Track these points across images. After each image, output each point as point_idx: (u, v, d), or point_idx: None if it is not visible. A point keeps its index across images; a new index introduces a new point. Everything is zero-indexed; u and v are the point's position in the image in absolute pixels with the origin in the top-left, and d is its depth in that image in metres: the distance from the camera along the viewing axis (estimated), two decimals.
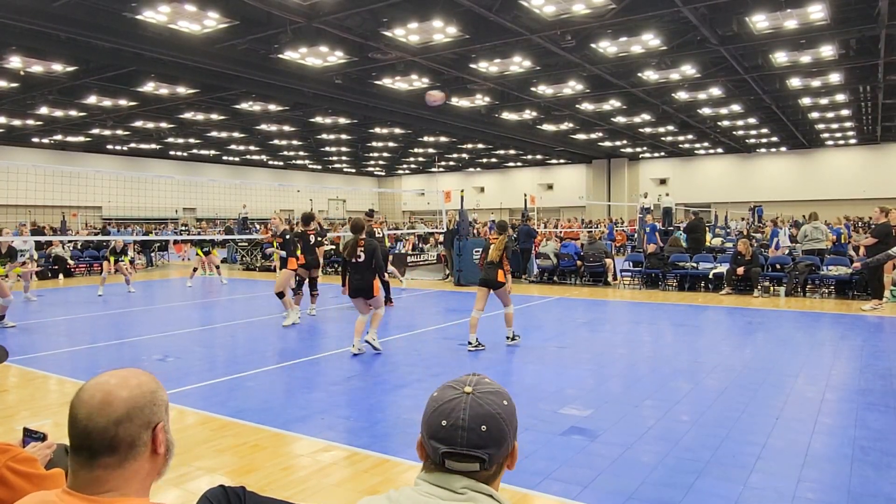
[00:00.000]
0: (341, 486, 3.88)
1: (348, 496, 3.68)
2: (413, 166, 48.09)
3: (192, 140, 32.04)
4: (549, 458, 4.26)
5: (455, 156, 41.94)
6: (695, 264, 14.45)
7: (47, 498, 1.26)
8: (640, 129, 29.77)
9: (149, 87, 19.37)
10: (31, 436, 2.02)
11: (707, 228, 19.30)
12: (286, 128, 28.42)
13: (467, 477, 1.20)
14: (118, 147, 34.35)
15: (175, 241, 22.99)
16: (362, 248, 7.40)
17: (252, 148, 35.70)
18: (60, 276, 18.17)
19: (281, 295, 9.80)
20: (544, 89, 20.85)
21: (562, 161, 44.08)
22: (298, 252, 10.36)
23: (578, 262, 15.73)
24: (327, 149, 36.54)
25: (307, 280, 10.84)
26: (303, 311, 10.56)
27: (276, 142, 33.14)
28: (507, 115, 25.66)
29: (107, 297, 13.37)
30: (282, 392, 6.08)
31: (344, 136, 31.54)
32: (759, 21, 14.35)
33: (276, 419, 5.16)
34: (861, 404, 5.47)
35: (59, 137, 30.69)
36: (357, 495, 3.60)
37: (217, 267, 16.52)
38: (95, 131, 28.27)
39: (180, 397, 5.79)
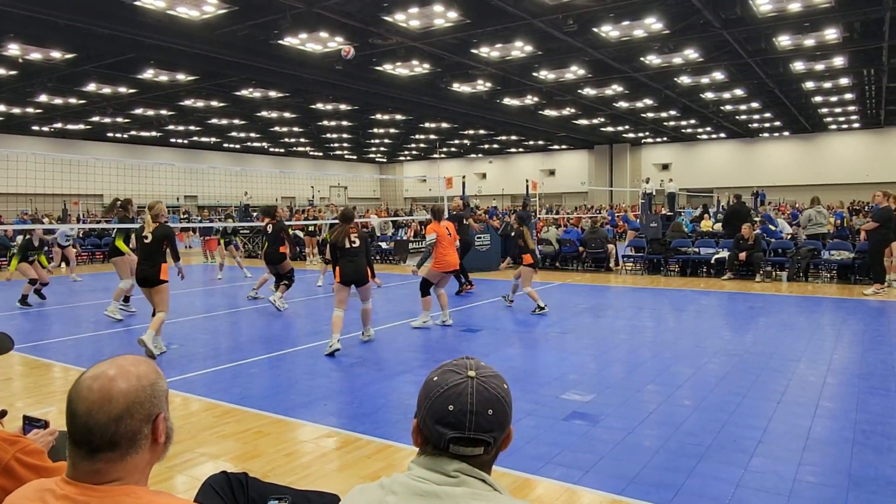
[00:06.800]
0: (344, 471, 3.90)
1: (351, 481, 3.70)
2: (415, 153, 47.95)
3: (192, 127, 31.95)
4: (551, 442, 4.27)
5: (457, 142, 41.80)
6: (697, 249, 14.43)
7: (47, 486, 1.26)
8: (643, 114, 29.62)
9: (148, 74, 19.29)
10: (32, 423, 2.00)
11: (750, 214, 16.20)
12: (287, 114, 28.32)
13: (460, 460, 1.19)
14: (118, 135, 34.28)
15: (182, 229, 23.02)
16: (356, 235, 7.33)
17: (253, 135, 35.59)
18: (62, 264, 18.18)
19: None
20: (546, 74, 20.72)
21: (563, 147, 43.91)
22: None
23: (580, 248, 15.73)
24: (328, 135, 36.42)
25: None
26: None
27: (276, 129, 33.04)
28: (509, 101, 25.53)
29: (110, 283, 13.37)
30: (284, 379, 6.10)
31: (345, 123, 31.43)
32: (763, 4, 14.22)
33: (278, 406, 5.19)
34: (862, 388, 5.47)
35: (59, 125, 30.62)
36: (359, 481, 3.61)
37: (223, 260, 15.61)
38: (95, 119, 28.21)
39: (184, 384, 5.82)
